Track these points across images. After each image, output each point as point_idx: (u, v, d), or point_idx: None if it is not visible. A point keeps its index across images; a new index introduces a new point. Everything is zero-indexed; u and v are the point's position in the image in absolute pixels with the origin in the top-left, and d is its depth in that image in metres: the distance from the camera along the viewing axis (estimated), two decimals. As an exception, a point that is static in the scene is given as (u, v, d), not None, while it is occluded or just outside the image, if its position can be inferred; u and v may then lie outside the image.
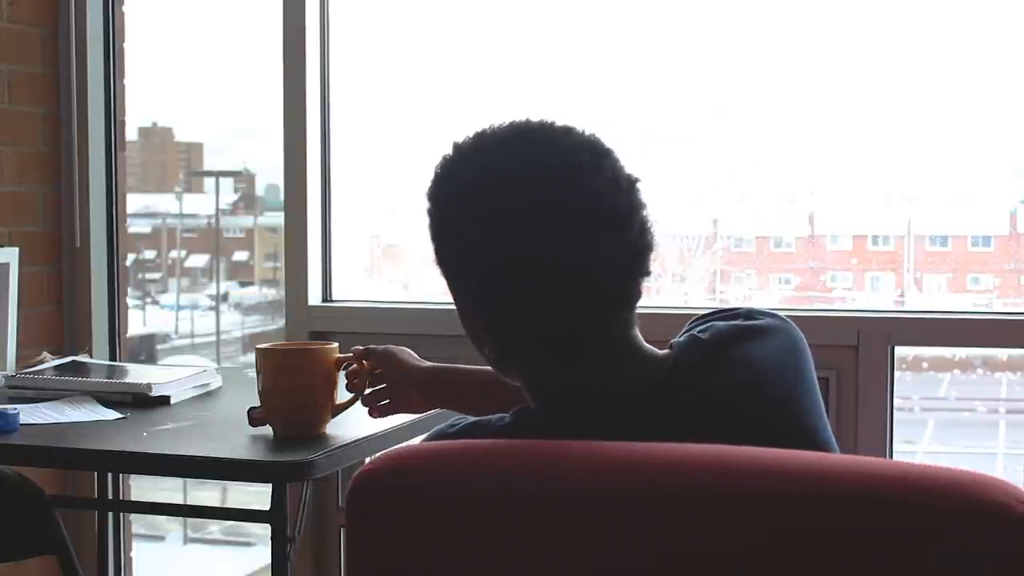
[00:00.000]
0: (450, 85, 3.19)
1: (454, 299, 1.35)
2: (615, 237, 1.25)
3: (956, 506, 1.01)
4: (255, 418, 1.96)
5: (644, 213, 1.27)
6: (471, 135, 1.31)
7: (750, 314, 1.35)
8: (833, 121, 2.91)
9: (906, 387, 2.95)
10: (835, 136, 2.93)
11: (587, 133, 1.29)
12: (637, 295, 1.29)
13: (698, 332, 1.31)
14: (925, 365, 3.12)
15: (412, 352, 1.86)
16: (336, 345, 1.96)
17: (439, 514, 1.13)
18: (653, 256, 1.29)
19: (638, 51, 2.97)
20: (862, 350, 2.63)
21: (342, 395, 1.94)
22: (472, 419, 1.31)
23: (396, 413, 1.90)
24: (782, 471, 1.07)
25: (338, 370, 1.93)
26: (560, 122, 1.30)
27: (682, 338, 1.31)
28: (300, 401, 1.95)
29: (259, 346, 1.98)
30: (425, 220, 1.33)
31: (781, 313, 1.38)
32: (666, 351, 1.30)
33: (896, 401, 2.67)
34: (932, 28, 2.81)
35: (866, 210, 3.08)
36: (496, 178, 1.26)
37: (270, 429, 1.96)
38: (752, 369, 1.27)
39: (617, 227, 1.25)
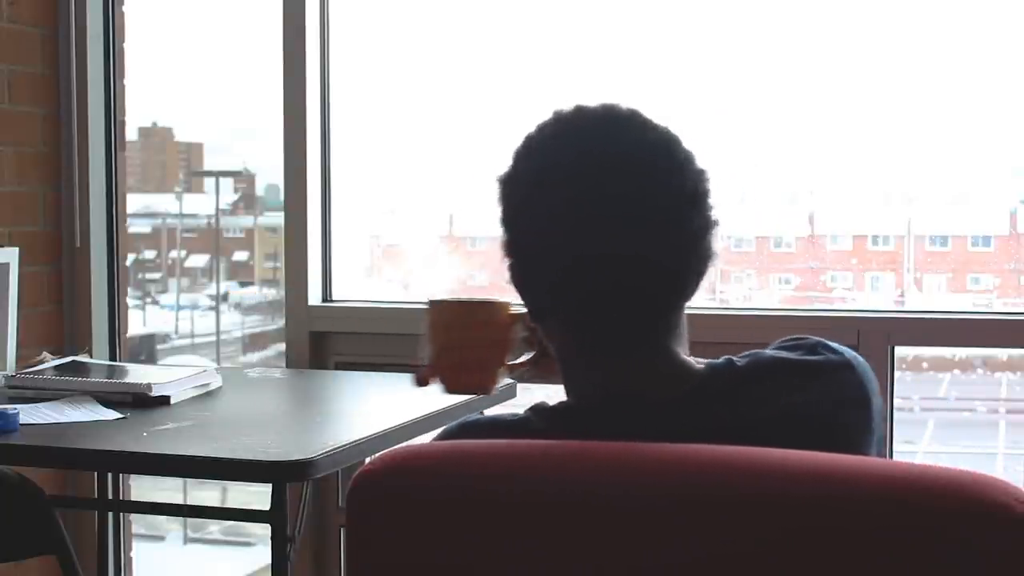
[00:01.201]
0: (450, 85, 3.19)
1: (511, 264, 1.30)
2: (685, 238, 1.24)
3: (956, 506, 1.01)
4: (422, 376, 1.86)
5: (713, 219, 1.26)
6: (568, 110, 1.28)
7: (815, 348, 1.28)
8: (833, 121, 2.91)
9: (906, 387, 2.94)
10: (835, 136, 2.93)
11: (674, 133, 1.28)
12: (687, 297, 1.27)
13: (737, 357, 1.26)
14: (925, 365, 3.12)
15: None
16: (509, 300, 1.85)
17: (439, 514, 1.13)
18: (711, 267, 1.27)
19: (638, 52, 2.96)
20: (862, 350, 2.59)
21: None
22: (489, 416, 1.30)
23: (539, 381, 1.83)
24: (783, 472, 1.07)
25: (513, 326, 1.82)
26: (648, 114, 1.28)
27: (720, 360, 1.27)
28: (471, 357, 1.84)
29: (431, 298, 1.90)
30: (496, 188, 1.30)
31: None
32: (701, 367, 1.26)
33: (896, 401, 2.67)
34: (932, 28, 2.81)
35: (866, 210, 3.08)
36: (592, 163, 1.23)
37: (438, 387, 1.87)
38: (776, 408, 1.21)
39: (682, 227, 1.24)
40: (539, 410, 1.27)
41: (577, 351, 1.28)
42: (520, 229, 1.28)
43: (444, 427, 1.33)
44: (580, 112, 1.27)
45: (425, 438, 2.18)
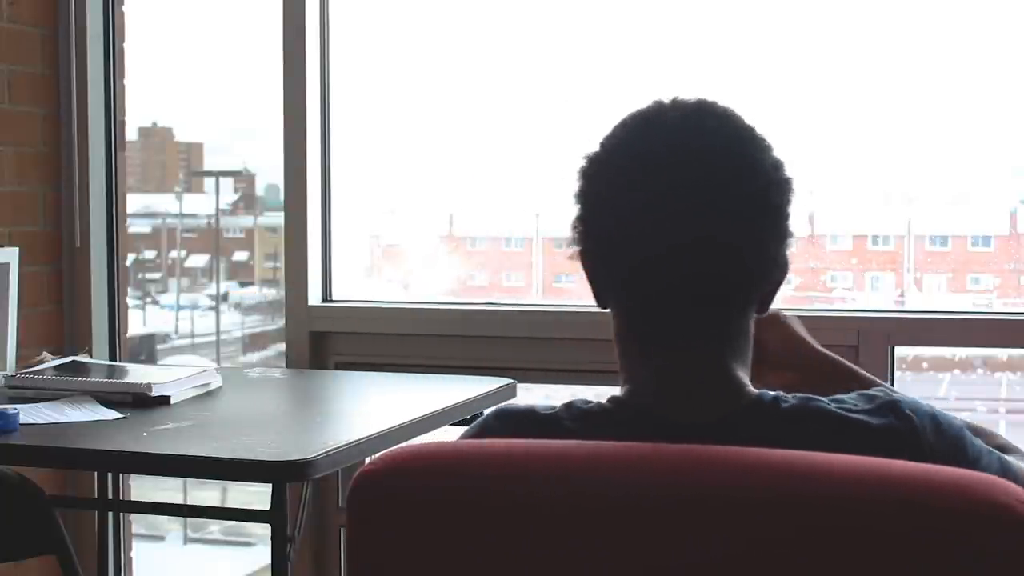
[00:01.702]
0: (450, 85, 3.19)
1: (583, 244, 1.29)
2: (764, 239, 1.25)
3: (959, 507, 1.01)
4: None
5: (791, 230, 1.27)
6: (665, 101, 1.28)
7: (883, 408, 1.21)
8: (833, 121, 2.91)
9: (906, 387, 2.94)
10: (835, 136, 2.92)
11: (765, 137, 1.28)
12: (759, 302, 1.27)
13: (788, 396, 1.22)
14: (925, 365, 3.11)
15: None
16: None
17: (439, 514, 1.13)
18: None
19: (637, 52, 2.96)
20: (862, 350, 2.63)
21: None
22: (526, 405, 1.29)
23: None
24: (787, 472, 1.07)
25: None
26: (740, 111, 1.28)
27: (771, 393, 1.23)
28: None
29: None
30: (582, 163, 1.29)
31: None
32: (752, 392, 1.23)
33: (896, 401, 2.66)
34: (932, 28, 2.81)
35: (866, 210, 3.07)
36: (682, 156, 1.23)
37: None
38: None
39: (764, 228, 1.25)
40: (572, 408, 1.26)
41: (638, 344, 1.27)
42: (601, 214, 1.27)
43: (481, 414, 1.32)
44: (676, 104, 1.27)
45: (425, 438, 2.18)
